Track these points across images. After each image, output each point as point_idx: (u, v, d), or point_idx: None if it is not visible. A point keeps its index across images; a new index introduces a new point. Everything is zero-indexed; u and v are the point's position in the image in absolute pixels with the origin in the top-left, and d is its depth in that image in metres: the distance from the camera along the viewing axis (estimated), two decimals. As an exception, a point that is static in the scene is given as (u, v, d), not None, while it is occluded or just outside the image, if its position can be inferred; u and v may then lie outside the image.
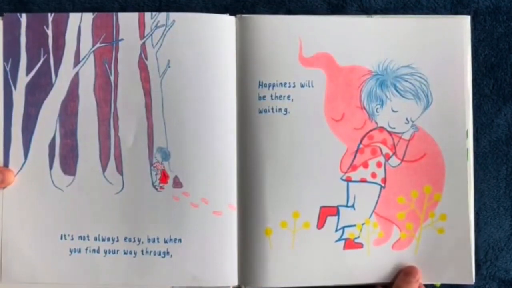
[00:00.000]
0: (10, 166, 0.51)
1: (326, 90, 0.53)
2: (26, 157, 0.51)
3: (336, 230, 0.52)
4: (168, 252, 0.51)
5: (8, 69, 0.51)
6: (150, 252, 0.51)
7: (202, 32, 0.51)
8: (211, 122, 0.51)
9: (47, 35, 0.51)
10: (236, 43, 0.52)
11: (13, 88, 0.51)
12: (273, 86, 0.52)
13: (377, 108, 0.53)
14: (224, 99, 0.52)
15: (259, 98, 0.52)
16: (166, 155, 0.51)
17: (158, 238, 0.51)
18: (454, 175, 0.53)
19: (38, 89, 0.52)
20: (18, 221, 0.51)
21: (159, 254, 0.51)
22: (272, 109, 0.52)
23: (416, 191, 0.53)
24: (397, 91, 0.53)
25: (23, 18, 0.51)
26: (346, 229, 0.52)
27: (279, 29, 0.52)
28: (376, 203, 0.53)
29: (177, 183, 0.51)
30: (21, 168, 0.51)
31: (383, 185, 0.53)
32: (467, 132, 0.53)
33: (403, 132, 0.53)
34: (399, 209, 0.53)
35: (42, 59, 0.51)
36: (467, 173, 0.53)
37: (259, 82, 0.52)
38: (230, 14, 0.52)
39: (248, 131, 0.52)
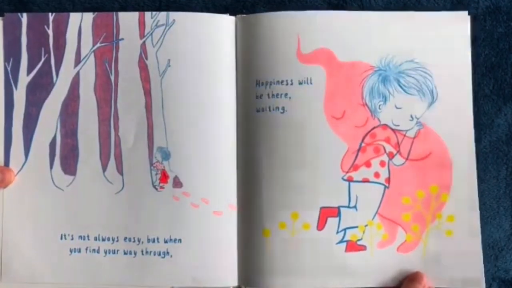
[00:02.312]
0: (11, 165, 0.51)
1: (326, 87, 0.51)
2: (27, 157, 0.52)
3: (338, 232, 0.51)
4: (168, 252, 0.51)
5: (9, 68, 0.52)
6: (150, 252, 0.51)
7: (202, 32, 0.51)
8: (211, 122, 0.51)
9: (47, 35, 0.52)
10: (236, 43, 0.52)
11: (14, 87, 0.52)
12: (270, 84, 0.51)
13: (380, 105, 0.52)
14: (224, 98, 0.52)
15: (257, 97, 0.51)
16: (166, 155, 0.51)
17: (158, 238, 0.51)
18: (462, 174, 0.51)
19: (39, 89, 0.52)
20: (18, 221, 0.51)
21: (159, 254, 0.51)
22: (269, 107, 0.51)
23: (422, 191, 0.51)
24: (400, 86, 0.52)
25: (24, 18, 0.52)
26: (348, 230, 0.51)
27: (277, 26, 0.51)
28: (380, 203, 0.51)
29: (177, 183, 0.51)
30: (21, 168, 0.51)
31: (387, 185, 0.51)
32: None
33: (408, 130, 0.52)
34: (404, 210, 0.51)
35: (43, 59, 0.52)
36: (476, 172, 0.51)
37: (256, 81, 0.51)
38: (230, 14, 0.52)
39: (246, 131, 0.52)
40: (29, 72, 0.52)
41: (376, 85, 0.52)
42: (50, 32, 0.52)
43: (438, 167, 0.51)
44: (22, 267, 0.51)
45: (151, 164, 0.51)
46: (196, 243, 0.51)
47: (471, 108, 0.52)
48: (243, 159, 0.51)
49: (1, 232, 0.51)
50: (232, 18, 0.52)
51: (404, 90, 0.52)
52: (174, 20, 0.51)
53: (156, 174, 0.51)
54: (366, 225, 0.51)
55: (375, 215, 0.51)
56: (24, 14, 0.52)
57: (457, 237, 0.51)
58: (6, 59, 0.52)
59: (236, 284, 0.51)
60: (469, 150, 0.51)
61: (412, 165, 0.51)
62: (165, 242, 0.51)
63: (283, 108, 0.51)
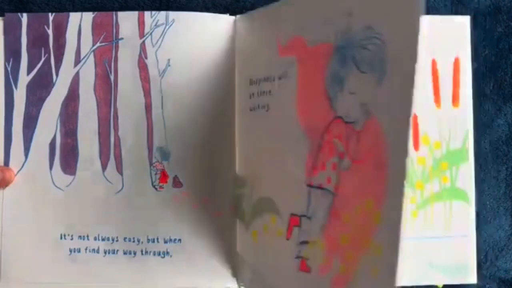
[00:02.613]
0: (11, 165, 0.51)
1: (298, 79, 0.44)
2: (27, 157, 0.52)
3: (298, 244, 0.43)
4: (168, 252, 0.51)
5: (9, 68, 0.52)
6: (150, 252, 0.51)
7: (202, 32, 0.51)
8: (211, 122, 0.51)
9: (47, 35, 0.52)
10: (236, 43, 0.52)
11: (14, 87, 0.52)
12: (259, 82, 0.49)
13: (337, 92, 0.39)
14: (224, 98, 0.52)
15: (249, 96, 0.50)
16: (166, 155, 0.51)
17: (157, 238, 0.51)
18: (396, 187, 0.33)
19: (39, 89, 0.52)
20: (18, 220, 0.51)
21: (159, 254, 0.51)
22: (258, 106, 0.49)
23: (360, 206, 0.36)
24: (355, 64, 0.38)
25: (24, 18, 0.52)
26: (303, 245, 0.42)
27: (261, 22, 0.50)
28: (327, 217, 0.39)
29: (177, 183, 0.51)
30: (21, 168, 0.51)
31: (335, 193, 0.39)
32: (467, 132, 0.52)
33: (355, 121, 0.37)
34: (343, 229, 0.38)
35: (43, 59, 0.52)
36: (406, 186, 0.32)
37: (250, 80, 0.50)
38: (230, 14, 0.52)
39: (243, 131, 0.51)
40: (29, 72, 0.52)
41: (336, 68, 0.40)
42: (50, 32, 0.52)
43: (375, 174, 0.35)
44: (22, 267, 0.51)
45: (151, 164, 0.51)
46: (196, 243, 0.51)
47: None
48: (240, 159, 0.51)
49: (1, 232, 0.51)
50: (232, 18, 0.52)
51: (358, 68, 0.38)
52: (173, 19, 0.51)
53: (156, 174, 0.51)
54: (315, 242, 0.41)
55: (321, 231, 0.40)
56: (24, 14, 0.52)
57: (380, 281, 0.33)
58: (6, 59, 0.52)
59: (235, 284, 0.51)
60: (405, 152, 0.32)
61: (356, 168, 0.37)
62: (165, 242, 0.51)
63: (267, 106, 0.48)
